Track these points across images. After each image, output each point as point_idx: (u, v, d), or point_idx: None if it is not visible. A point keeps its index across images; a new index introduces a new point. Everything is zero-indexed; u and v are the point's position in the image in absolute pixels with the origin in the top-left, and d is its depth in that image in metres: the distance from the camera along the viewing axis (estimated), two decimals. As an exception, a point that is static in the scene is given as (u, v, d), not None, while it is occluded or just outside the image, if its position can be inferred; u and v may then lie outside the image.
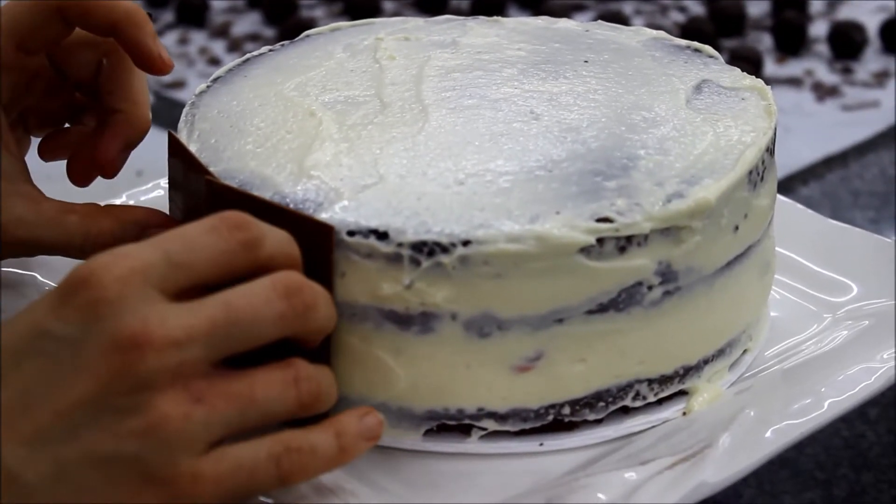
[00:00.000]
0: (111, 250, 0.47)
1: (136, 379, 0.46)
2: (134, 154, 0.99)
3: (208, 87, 0.66)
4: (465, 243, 0.53)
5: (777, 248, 0.66)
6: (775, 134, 0.62)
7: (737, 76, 0.65)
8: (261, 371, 0.49)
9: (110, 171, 0.64)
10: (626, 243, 0.55)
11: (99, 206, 0.60)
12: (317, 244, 0.53)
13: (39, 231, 0.59)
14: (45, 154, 0.66)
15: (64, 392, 0.46)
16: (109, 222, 0.59)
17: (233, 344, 0.48)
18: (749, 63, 1.14)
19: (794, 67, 1.20)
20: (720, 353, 0.60)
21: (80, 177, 0.64)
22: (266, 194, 0.56)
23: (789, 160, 1.03)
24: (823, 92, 1.16)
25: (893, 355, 0.61)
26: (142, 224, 0.59)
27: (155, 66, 0.61)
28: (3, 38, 0.59)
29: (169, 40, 1.26)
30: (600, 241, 0.54)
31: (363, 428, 0.52)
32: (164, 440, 0.46)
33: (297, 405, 0.50)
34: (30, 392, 0.46)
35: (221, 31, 1.28)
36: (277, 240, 0.51)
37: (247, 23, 1.31)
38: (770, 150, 0.61)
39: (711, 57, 0.68)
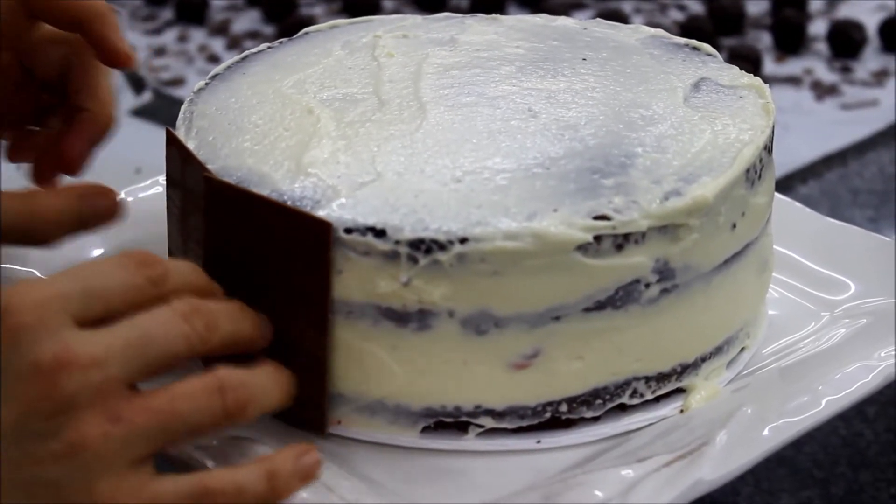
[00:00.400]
0: (28, 280, 0.48)
1: (58, 401, 0.46)
2: (133, 151, 0.99)
3: (206, 84, 0.66)
4: (463, 241, 0.53)
5: (775, 247, 0.66)
6: (773, 132, 0.62)
7: (735, 74, 0.65)
8: (182, 384, 0.49)
9: (75, 169, 0.63)
10: (623, 241, 0.55)
11: (39, 189, 0.60)
12: (314, 241, 0.53)
13: None
14: (14, 156, 0.66)
15: None
16: (52, 198, 0.57)
17: (148, 362, 0.49)
18: (748, 62, 1.14)
19: (793, 66, 1.20)
20: (718, 350, 0.60)
21: (44, 178, 0.64)
22: (263, 191, 0.56)
23: (788, 159, 1.03)
24: (822, 91, 1.16)
25: (891, 353, 0.61)
26: (81, 195, 0.57)
27: (120, 60, 0.61)
28: None
29: (168, 38, 1.26)
30: (598, 238, 0.54)
31: (299, 467, 0.51)
32: (83, 462, 0.46)
33: (223, 415, 0.49)
34: None
35: (221, 29, 1.28)
36: (182, 273, 0.52)
37: (246, 20, 1.31)
38: (768, 149, 0.61)
39: (710, 55, 0.68)
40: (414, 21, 0.72)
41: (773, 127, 0.62)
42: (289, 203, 0.55)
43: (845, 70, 1.19)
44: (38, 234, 0.56)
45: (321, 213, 0.54)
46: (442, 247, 0.53)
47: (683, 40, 0.69)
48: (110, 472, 0.46)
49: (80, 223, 0.57)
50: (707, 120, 0.61)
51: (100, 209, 0.57)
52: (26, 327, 0.46)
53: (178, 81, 1.17)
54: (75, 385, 0.46)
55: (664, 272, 0.56)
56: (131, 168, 1.01)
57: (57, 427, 0.46)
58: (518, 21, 0.73)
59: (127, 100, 1.09)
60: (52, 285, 0.48)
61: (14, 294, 0.47)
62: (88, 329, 0.48)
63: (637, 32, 0.70)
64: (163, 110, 1.10)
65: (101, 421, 0.46)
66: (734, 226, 0.58)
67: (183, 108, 0.64)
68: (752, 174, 0.59)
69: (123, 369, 0.47)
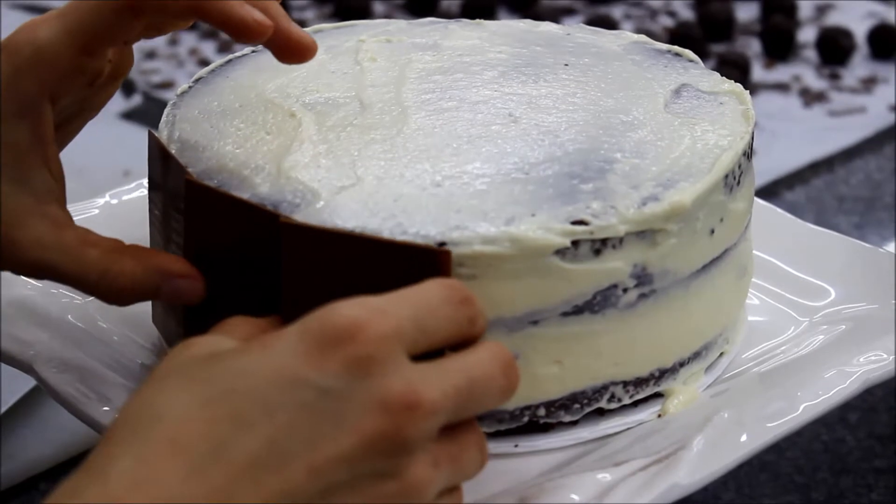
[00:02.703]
0: (362, 301, 0.46)
1: (401, 442, 0.45)
2: (121, 154, 1.00)
3: (190, 87, 0.67)
4: (441, 245, 0.54)
5: (755, 252, 0.66)
6: (753, 138, 0.62)
7: (716, 80, 0.66)
8: (473, 434, 0.49)
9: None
10: (601, 246, 0.55)
11: (122, 244, 0.57)
12: (290, 243, 0.53)
13: (55, 257, 0.56)
14: None
15: (323, 447, 0.44)
16: (131, 264, 0.56)
17: (468, 412, 0.48)
18: (737, 68, 1.14)
19: (781, 73, 1.21)
20: (696, 355, 0.61)
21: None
22: (244, 195, 0.56)
23: (775, 165, 1.03)
24: (811, 97, 1.16)
25: (870, 359, 0.61)
26: (164, 272, 0.56)
27: (253, 31, 0.57)
28: (67, 40, 0.56)
29: (159, 41, 1.26)
30: (575, 243, 0.54)
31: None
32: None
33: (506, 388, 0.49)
34: (281, 444, 0.44)
35: (212, 33, 1.28)
36: (485, 314, 0.50)
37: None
38: (747, 154, 0.61)
39: (691, 61, 0.68)
40: (398, 26, 0.72)
41: (753, 133, 0.62)
42: (268, 207, 0.55)
43: (834, 77, 1.20)
44: (109, 296, 0.56)
45: (299, 217, 0.54)
46: (420, 251, 0.54)
47: (666, 46, 0.70)
48: None
49: (153, 296, 0.57)
50: (687, 126, 0.61)
51: (180, 291, 0.56)
52: (375, 360, 0.45)
53: (167, 84, 1.17)
54: (419, 429, 0.45)
55: (642, 277, 0.56)
56: (119, 171, 1.01)
57: (396, 467, 0.45)
58: (502, 26, 0.73)
59: (116, 103, 1.09)
60: (395, 314, 0.46)
61: (359, 320, 0.45)
62: (419, 364, 0.46)
63: (620, 38, 0.71)
64: (152, 113, 1.10)
65: (427, 465, 0.46)
66: (712, 231, 0.59)
67: (166, 111, 0.65)
68: (731, 180, 0.59)
69: (450, 416, 0.47)
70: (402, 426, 0.44)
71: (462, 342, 0.49)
